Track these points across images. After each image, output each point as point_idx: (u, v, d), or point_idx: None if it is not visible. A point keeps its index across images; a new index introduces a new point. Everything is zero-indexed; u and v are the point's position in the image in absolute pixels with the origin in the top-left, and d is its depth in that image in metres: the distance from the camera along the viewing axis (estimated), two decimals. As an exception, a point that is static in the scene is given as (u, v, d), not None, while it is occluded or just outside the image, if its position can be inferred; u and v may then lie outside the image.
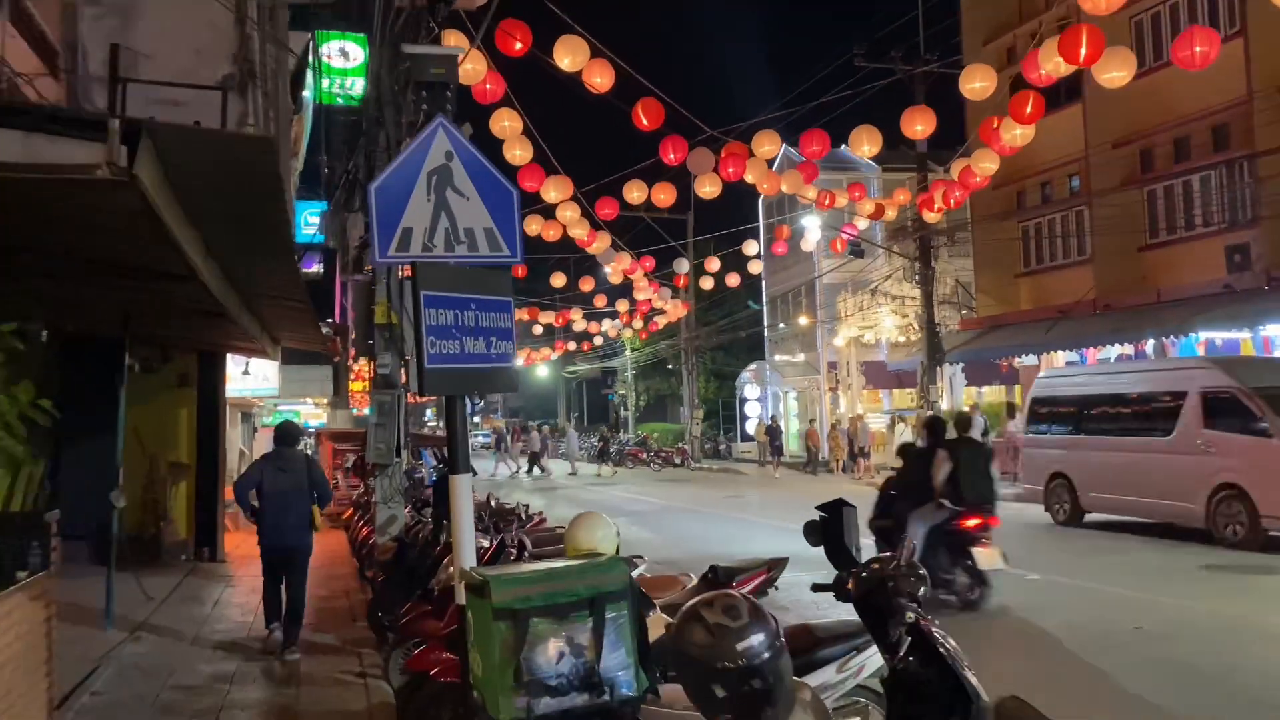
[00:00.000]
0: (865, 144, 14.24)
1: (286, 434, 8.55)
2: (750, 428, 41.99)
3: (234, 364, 16.34)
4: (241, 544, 15.50)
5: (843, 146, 17.00)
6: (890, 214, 21.77)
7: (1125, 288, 20.88)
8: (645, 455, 39.48)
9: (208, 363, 13.69)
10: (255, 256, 6.36)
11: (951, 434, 9.88)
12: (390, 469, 9.22)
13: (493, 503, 10.22)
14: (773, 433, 32.09)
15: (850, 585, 3.36)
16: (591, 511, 4.36)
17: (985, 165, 14.98)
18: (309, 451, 17.15)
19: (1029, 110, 12.44)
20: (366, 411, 12.34)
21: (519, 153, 13.57)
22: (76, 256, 6.11)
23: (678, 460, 38.32)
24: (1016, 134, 13.11)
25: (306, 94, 16.91)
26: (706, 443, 41.45)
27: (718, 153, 14.64)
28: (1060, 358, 21.66)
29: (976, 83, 12.68)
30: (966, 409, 19.08)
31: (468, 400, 5.64)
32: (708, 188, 15.34)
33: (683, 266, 24.52)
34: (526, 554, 6.58)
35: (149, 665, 7.38)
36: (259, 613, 8.76)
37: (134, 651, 7.75)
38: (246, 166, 4.63)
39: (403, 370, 9.47)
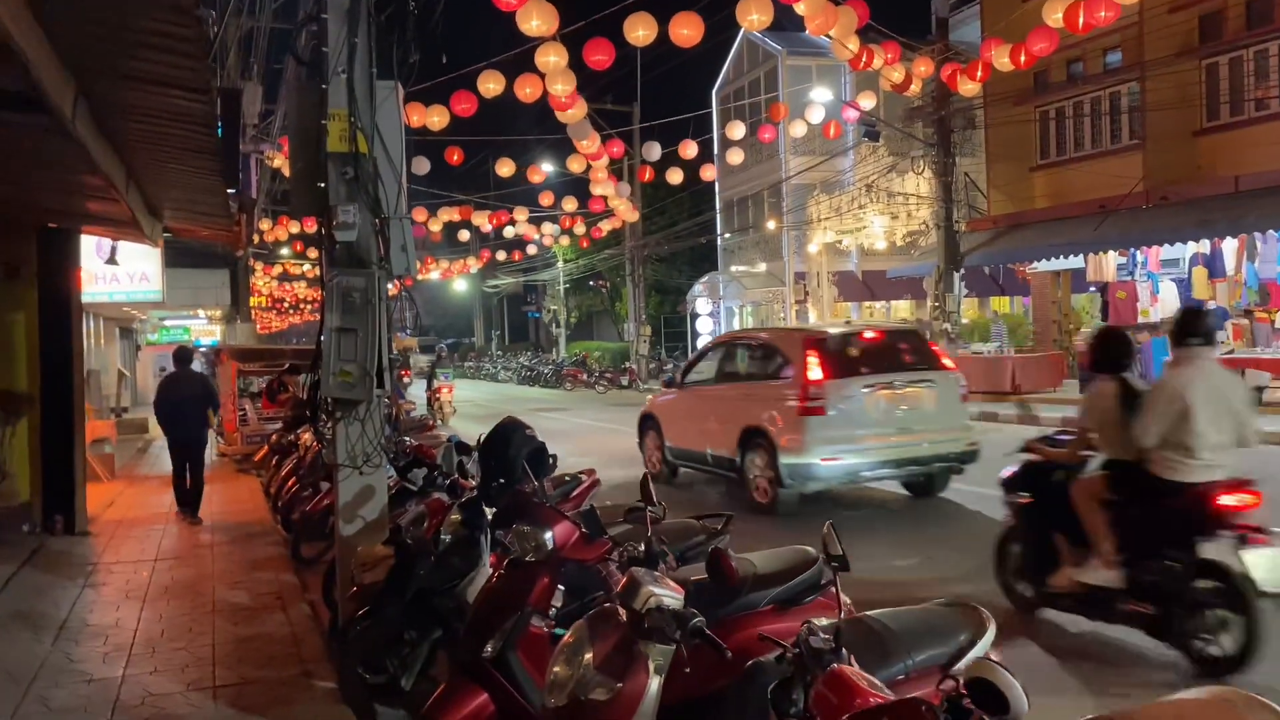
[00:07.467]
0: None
1: (180, 356, 10.53)
2: (701, 345, 38.61)
3: (95, 253, 11.93)
4: (118, 499, 11.39)
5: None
6: (915, 88, 18.15)
7: (1178, 177, 17.80)
8: (586, 376, 35.74)
9: (51, 246, 9.32)
10: None
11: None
12: (365, 408, 5.26)
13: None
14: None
15: None
16: None
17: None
18: (205, 372, 13.86)
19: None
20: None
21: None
22: None
23: (625, 382, 34.65)
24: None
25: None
26: (651, 362, 37.88)
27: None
28: (1110, 260, 18.58)
29: None
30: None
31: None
32: (754, 15, 11.34)
33: (652, 153, 20.36)
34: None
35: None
36: (133, 654, 5.58)
37: None
38: None
39: (379, 239, 5.45)
